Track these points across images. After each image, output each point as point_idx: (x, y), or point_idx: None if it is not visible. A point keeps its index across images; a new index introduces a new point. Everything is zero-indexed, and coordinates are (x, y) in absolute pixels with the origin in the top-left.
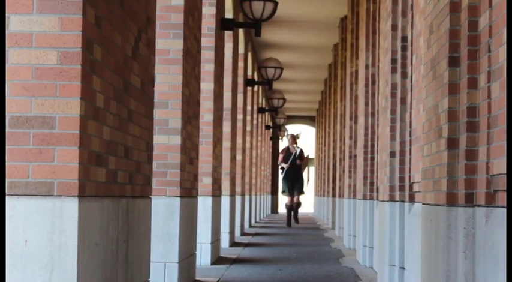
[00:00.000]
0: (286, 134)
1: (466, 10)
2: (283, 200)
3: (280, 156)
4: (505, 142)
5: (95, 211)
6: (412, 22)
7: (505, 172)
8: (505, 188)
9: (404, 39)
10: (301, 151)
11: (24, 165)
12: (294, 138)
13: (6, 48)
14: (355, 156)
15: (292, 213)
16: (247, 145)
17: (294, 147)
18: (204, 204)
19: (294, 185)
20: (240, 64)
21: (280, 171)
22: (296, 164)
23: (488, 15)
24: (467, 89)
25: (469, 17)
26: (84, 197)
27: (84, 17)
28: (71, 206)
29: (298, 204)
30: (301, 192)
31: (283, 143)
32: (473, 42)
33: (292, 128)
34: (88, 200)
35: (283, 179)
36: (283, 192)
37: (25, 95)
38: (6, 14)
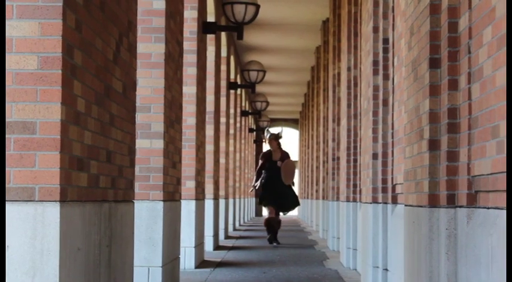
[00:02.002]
0: (266, 134)
1: (446, 12)
2: None
3: (261, 162)
4: (486, 143)
5: (77, 216)
6: (393, 24)
7: (489, 172)
8: (504, 188)
9: (385, 41)
10: (284, 153)
11: (6, 171)
12: (276, 139)
13: None
14: (338, 158)
15: (273, 231)
16: (231, 148)
17: (277, 151)
18: (188, 207)
19: (276, 195)
20: (223, 67)
21: (257, 186)
22: (278, 169)
23: (468, 17)
24: (447, 91)
25: (449, 19)
26: (66, 202)
27: (64, 21)
28: (52, 211)
29: (278, 221)
30: (293, 205)
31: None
32: (454, 43)
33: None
34: (70, 205)
35: (264, 186)
36: (261, 202)
37: (6, 100)
38: None
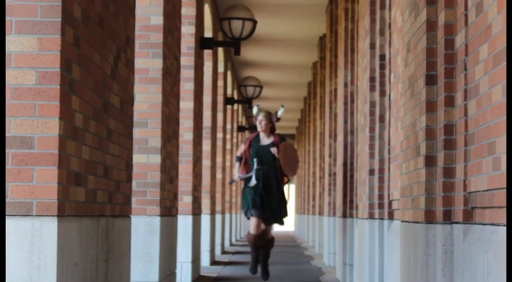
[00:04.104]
0: (255, 110)
1: (442, 29)
2: None
3: (241, 148)
4: (482, 159)
5: (74, 231)
6: (390, 41)
7: (485, 189)
8: (500, 205)
9: (382, 57)
10: (280, 136)
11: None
12: (269, 119)
13: None
14: (334, 174)
15: (261, 256)
16: (227, 163)
17: (267, 134)
18: (184, 222)
19: (269, 200)
20: (220, 83)
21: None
22: (271, 160)
23: (464, 34)
24: (444, 107)
25: (446, 36)
26: (64, 217)
27: (62, 37)
28: (50, 226)
29: (270, 242)
30: (282, 215)
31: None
32: (450, 60)
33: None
34: (67, 220)
35: (246, 188)
36: (246, 212)
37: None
38: None
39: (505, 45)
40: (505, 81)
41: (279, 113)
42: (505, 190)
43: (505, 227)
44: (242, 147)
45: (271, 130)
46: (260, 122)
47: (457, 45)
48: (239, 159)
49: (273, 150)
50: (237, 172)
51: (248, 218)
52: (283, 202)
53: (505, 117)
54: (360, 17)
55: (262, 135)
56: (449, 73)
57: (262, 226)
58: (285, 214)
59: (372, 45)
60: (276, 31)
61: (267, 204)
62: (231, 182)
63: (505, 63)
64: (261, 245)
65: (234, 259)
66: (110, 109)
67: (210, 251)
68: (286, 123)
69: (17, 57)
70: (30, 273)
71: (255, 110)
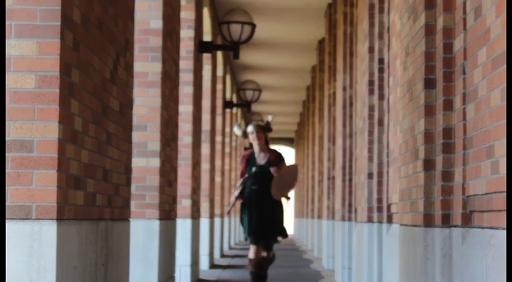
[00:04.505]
0: (239, 128)
1: (441, 33)
2: None
3: (240, 168)
4: (481, 163)
5: (74, 234)
6: (388, 44)
7: (484, 192)
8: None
9: (381, 61)
10: (277, 155)
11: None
12: (263, 131)
13: None
14: (333, 177)
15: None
16: (226, 167)
17: (263, 150)
18: (183, 226)
19: (264, 224)
20: (219, 86)
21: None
22: (269, 180)
23: (463, 38)
24: (443, 111)
25: (444, 40)
26: (63, 220)
27: (62, 40)
28: (49, 230)
29: (270, 259)
30: (280, 234)
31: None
32: (449, 64)
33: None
34: (67, 223)
35: (242, 210)
36: (246, 238)
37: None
38: None
39: (504, 49)
40: (504, 85)
41: (271, 124)
42: (505, 193)
43: (505, 231)
44: (240, 168)
45: (266, 143)
46: (253, 134)
47: (455, 49)
48: (238, 187)
49: (273, 170)
50: (233, 196)
51: (251, 243)
52: (280, 225)
53: (505, 121)
54: (359, 20)
55: (258, 152)
56: (448, 77)
57: (263, 253)
58: (284, 236)
59: (371, 49)
60: (274, 35)
61: (264, 232)
62: (229, 211)
63: (504, 66)
64: (262, 268)
65: (233, 262)
66: (109, 113)
67: (209, 254)
68: (285, 127)
69: (16, 61)
70: (30, 277)
71: (237, 131)
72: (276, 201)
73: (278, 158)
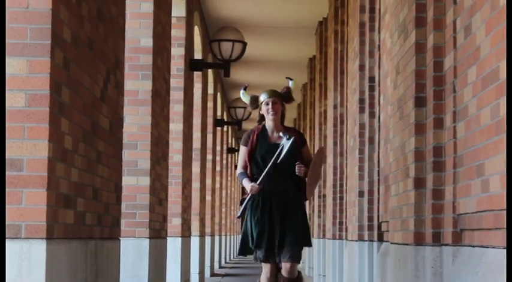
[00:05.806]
0: (243, 94)
1: (431, 51)
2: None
3: (242, 157)
4: (471, 181)
5: (63, 253)
6: (379, 63)
7: (474, 211)
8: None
9: (371, 79)
10: (300, 135)
11: None
12: (278, 99)
13: None
14: (324, 195)
15: None
16: (217, 185)
17: (278, 127)
18: (174, 245)
19: (281, 231)
20: (210, 104)
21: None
22: (290, 167)
23: (453, 56)
24: (433, 129)
25: (434, 58)
26: (52, 239)
27: (52, 59)
28: (38, 249)
29: (295, 280)
30: (304, 244)
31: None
32: (439, 82)
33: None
34: (56, 243)
35: (248, 216)
36: (253, 256)
37: None
38: None
39: (493, 67)
40: (493, 103)
41: (291, 86)
42: (497, 212)
43: (495, 249)
44: (243, 153)
45: (283, 113)
46: (268, 104)
47: (445, 68)
48: (243, 175)
49: (298, 170)
50: (248, 184)
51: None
52: (303, 229)
53: (495, 139)
54: (350, 39)
55: (271, 128)
56: (438, 95)
57: (282, 271)
58: (307, 243)
59: (362, 67)
60: (265, 53)
61: (280, 240)
62: (239, 216)
63: (494, 85)
64: None
65: (223, 281)
66: (99, 131)
67: (199, 273)
68: None
69: (6, 80)
70: None
71: (244, 97)
72: (301, 201)
73: (301, 139)
